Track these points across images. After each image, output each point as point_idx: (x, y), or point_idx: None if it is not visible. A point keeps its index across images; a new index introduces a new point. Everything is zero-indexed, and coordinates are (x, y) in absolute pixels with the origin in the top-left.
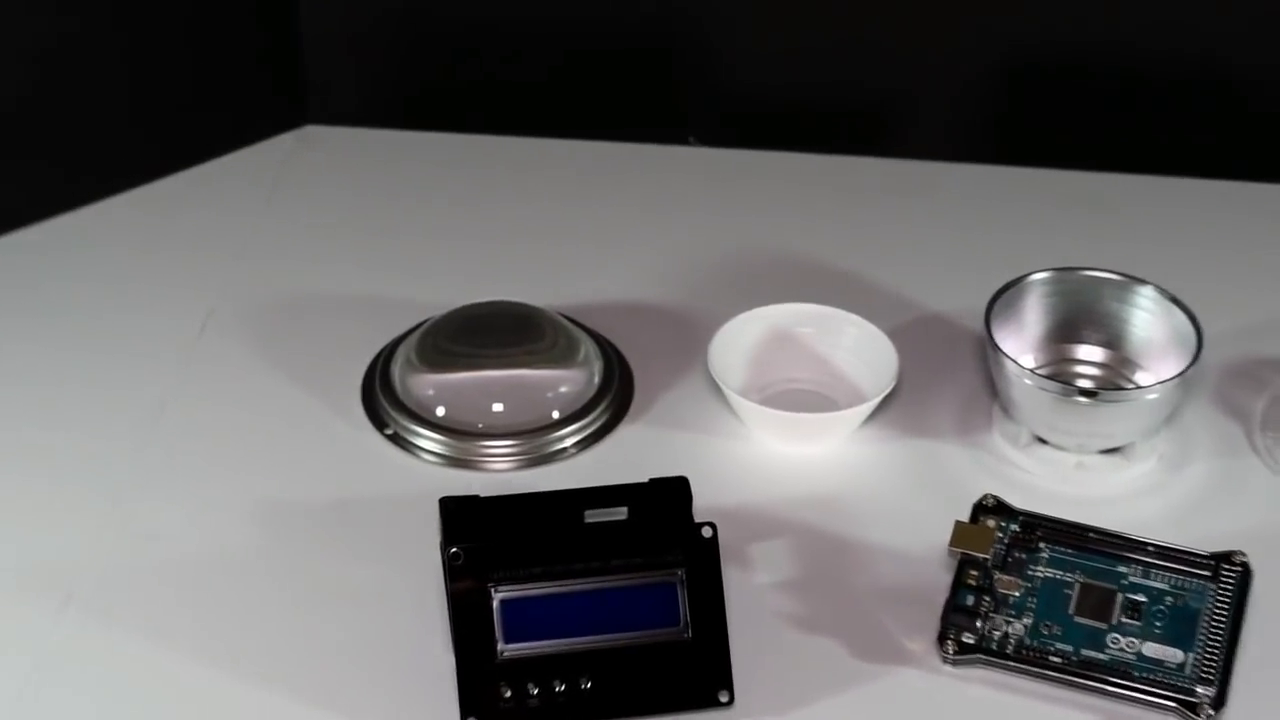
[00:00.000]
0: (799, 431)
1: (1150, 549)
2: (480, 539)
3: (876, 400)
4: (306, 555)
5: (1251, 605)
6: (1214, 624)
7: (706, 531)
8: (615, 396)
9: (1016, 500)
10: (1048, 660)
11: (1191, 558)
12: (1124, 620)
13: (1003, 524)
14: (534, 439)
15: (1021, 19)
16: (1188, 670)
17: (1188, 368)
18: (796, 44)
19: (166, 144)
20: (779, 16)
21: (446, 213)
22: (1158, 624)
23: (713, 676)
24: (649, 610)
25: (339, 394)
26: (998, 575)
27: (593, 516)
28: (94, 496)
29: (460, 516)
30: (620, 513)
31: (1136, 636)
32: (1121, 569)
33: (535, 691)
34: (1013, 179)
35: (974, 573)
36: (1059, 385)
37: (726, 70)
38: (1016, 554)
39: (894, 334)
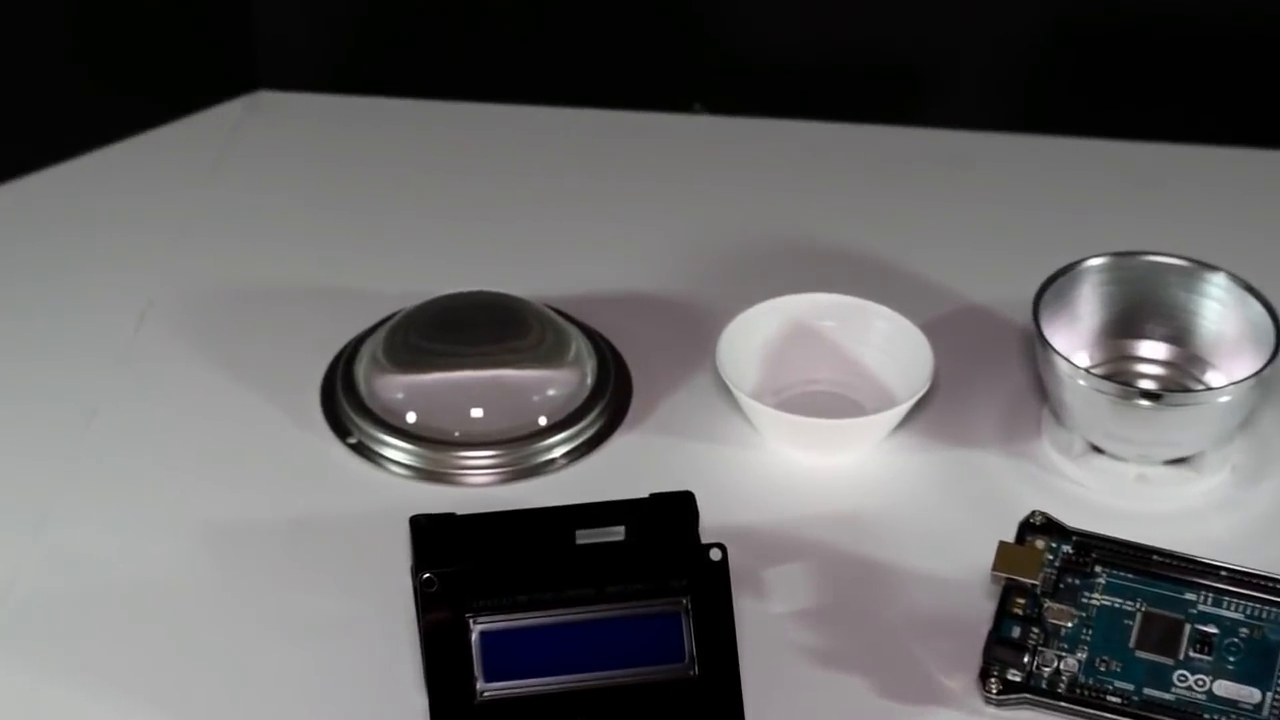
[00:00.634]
0: (820, 439)
1: (1223, 573)
2: (457, 563)
3: (909, 404)
4: (258, 583)
5: None
6: None
7: (715, 554)
8: (610, 400)
9: (1069, 518)
10: (1105, 700)
11: (1270, 583)
12: (1192, 655)
13: (1053, 545)
14: (518, 449)
15: None
16: (1265, 712)
17: (1265, 366)
18: None
19: (98, 113)
20: None
21: (417, 190)
22: (1231, 659)
23: (722, 719)
24: (650, 644)
25: (295, 397)
26: (1048, 604)
27: (585, 537)
28: (13, 517)
29: (434, 537)
30: (616, 533)
31: (1207, 673)
32: (1190, 596)
33: None
34: (1064, 151)
35: (1020, 601)
36: (1117, 386)
37: (738, 26)
38: (1069, 579)
39: (929, 328)
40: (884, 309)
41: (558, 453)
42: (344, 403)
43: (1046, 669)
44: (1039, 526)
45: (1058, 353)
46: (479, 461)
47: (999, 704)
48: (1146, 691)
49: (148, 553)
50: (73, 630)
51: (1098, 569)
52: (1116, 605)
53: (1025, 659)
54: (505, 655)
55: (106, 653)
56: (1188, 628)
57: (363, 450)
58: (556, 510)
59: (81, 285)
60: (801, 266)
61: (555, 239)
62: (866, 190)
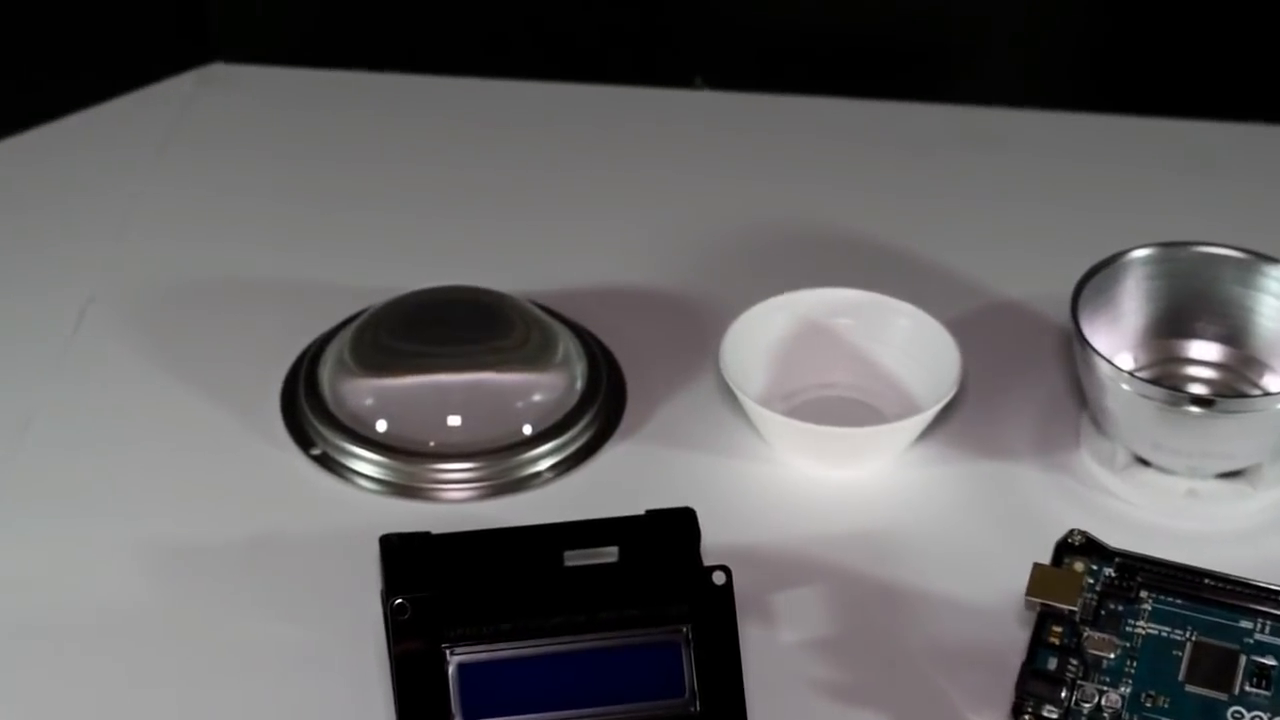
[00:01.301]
0: (835, 450)
1: None
2: (432, 587)
3: (934, 411)
4: (212, 610)
5: None
6: None
7: (719, 577)
8: (602, 407)
9: (1111, 537)
10: None
11: None
12: (1248, 689)
13: (1094, 567)
14: (499, 460)
15: None
16: None
17: None
18: None
19: (37, 87)
20: None
21: (387, 174)
22: None
23: None
24: (647, 677)
25: (253, 404)
26: (1087, 633)
27: (574, 559)
28: None
29: (406, 559)
30: (609, 554)
31: (1265, 710)
32: (1245, 624)
33: None
34: (1106, 130)
35: (1057, 629)
36: (1165, 391)
37: None
38: (1111, 606)
39: (956, 326)
40: (906, 305)
41: (544, 465)
42: (307, 410)
43: (1086, 705)
44: (1078, 547)
45: (1099, 354)
46: (456, 475)
47: None
48: None
49: (88, 578)
50: (2, 664)
51: (1143, 594)
52: (1164, 634)
53: (1062, 694)
54: (485, 690)
55: (41, 690)
56: (1243, 659)
57: (328, 463)
58: (542, 529)
59: (13, 279)
60: (814, 258)
61: (540, 228)
62: (886, 174)
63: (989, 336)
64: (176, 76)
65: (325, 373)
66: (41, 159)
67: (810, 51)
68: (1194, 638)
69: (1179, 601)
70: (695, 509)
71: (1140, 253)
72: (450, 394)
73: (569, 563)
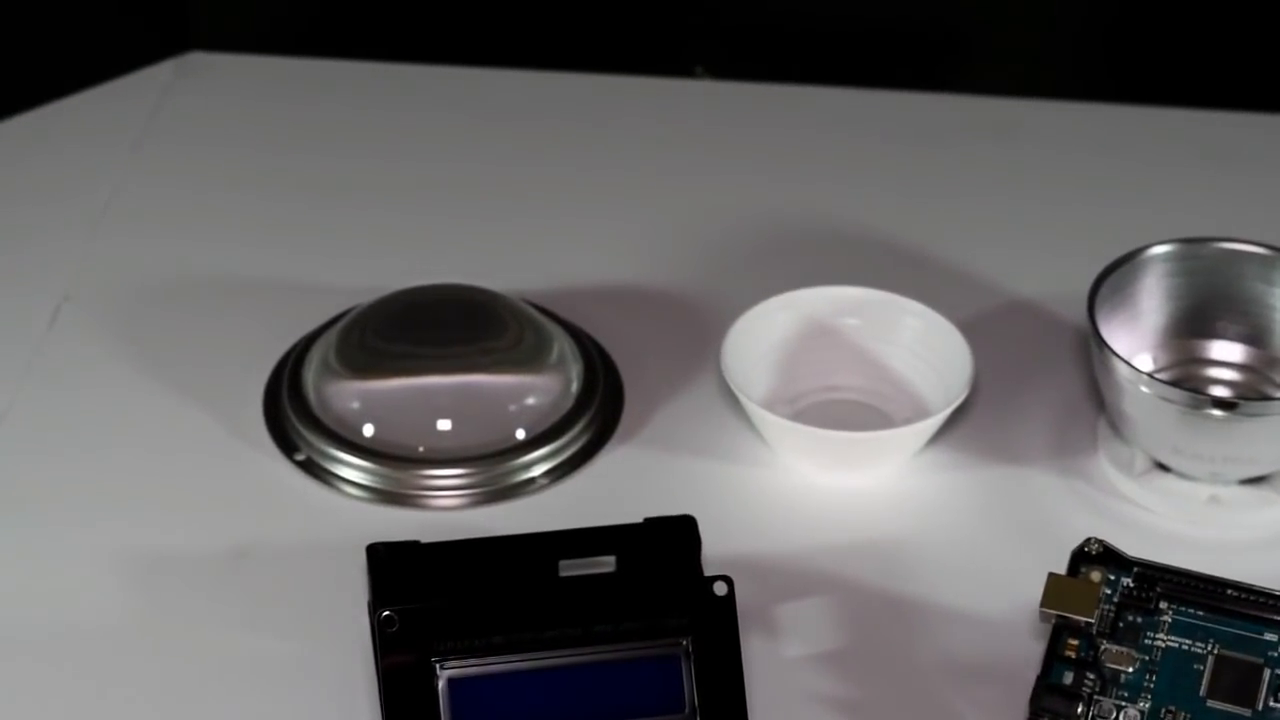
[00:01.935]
0: (841, 455)
1: None
2: (421, 598)
3: (944, 414)
4: (192, 621)
5: None
6: None
7: (720, 588)
8: (599, 410)
9: (1129, 546)
10: None
11: None
12: (1273, 705)
13: (1111, 578)
14: (492, 466)
15: None
16: None
17: None
18: None
19: (8, 77)
20: None
21: (373, 168)
22: None
23: None
24: (644, 691)
25: (235, 408)
26: (1105, 645)
27: (570, 568)
28: None
29: (395, 569)
30: (606, 563)
31: None
32: (1270, 637)
33: None
34: (1123, 121)
35: (1073, 642)
36: (1186, 394)
37: None
38: (1130, 617)
39: (968, 326)
40: (915, 304)
41: (538, 471)
42: (291, 414)
43: None
44: (1095, 556)
45: (1117, 355)
46: (446, 481)
47: None
48: None
49: (61, 589)
50: None
51: (1163, 605)
52: (1184, 647)
53: (1079, 709)
54: (476, 705)
55: (11, 706)
56: (1267, 673)
57: (312, 468)
58: (536, 538)
59: None
60: (819, 255)
61: (534, 224)
62: (895, 167)
63: (1002, 337)
64: (153, 66)
65: (310, 375)
66: (13, 152)
67: (816, 40)
68: (1216, 651)
69: (1200, 613)
70: (696, 517)
71: (1159, 249)
72: (440, 397)
73: (564, 573)
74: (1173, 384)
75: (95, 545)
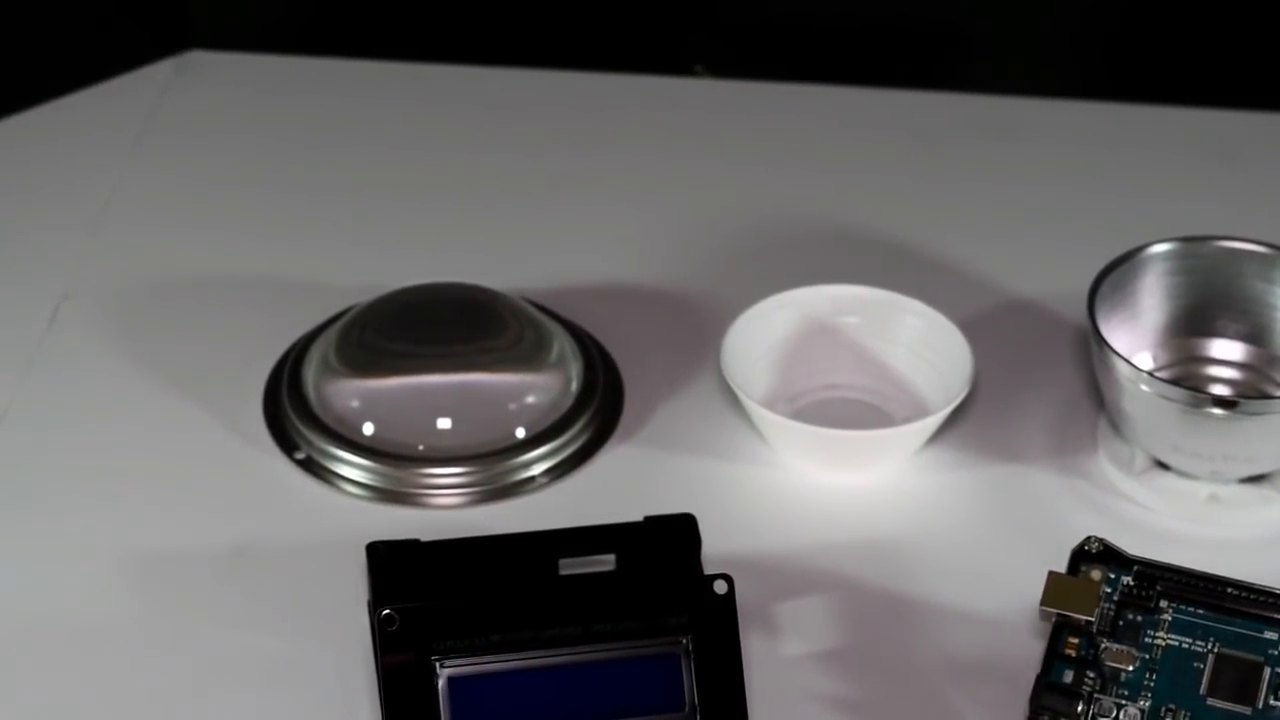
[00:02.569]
0: (841, 454)
1: None
2: (421, 597)
3: (944, 413)
4: (191, 620)
5: None
6: None
7: (720, 586)
8: (599, 409)
9: (1129, 545)
10: None
11: None
12: (1274, 703)
13: (1111, 576)
14: (492, 465)
15: None
16: None
17: None
18: None
19: (8, 74)
20: None
21: (373, 167)
22: None
23: None
24: (645, 690)
25: (234, 406)
26: (1105, 644)
27: (569, 567)
28: None
29: (394, 568)
30: (606, 562)
31: None
32: (1270, 635)
33: None
34: (1123, 119)
35: (1073, 640)
36: (1186, 392)
37: None
38: (1130, 616)
39: (968, 325)
40: (915, 303)
41: (538, 469)
42: (290, 412)
43: (1103, 719)
44: (1095, 555)
45: (1117, 353)
46: (446, 480)
47: None
48: None
49: (61, 586)
50: None
51: (1163, 604)
52: (1185, 646)
53: (1079, 708)
54: (476, 704)
55: (9, 702)
56: (1268, 671)
57: (312, 467)
58: (536, 536)
59: None
60: (819, 254)
61: (534, 222)
62: (895, 165)
63: (1002, 335)
64: (153, 64)
65: (310, 373)
66: (12, 150)
67: (816, 38)
68: (1216, 649)
69: (1200, 611)
70: (695, 515)
71: (1160, 248)
72: (440, 395)
73: (564, 571)
74: (1173, 382)
75: (95, 543)
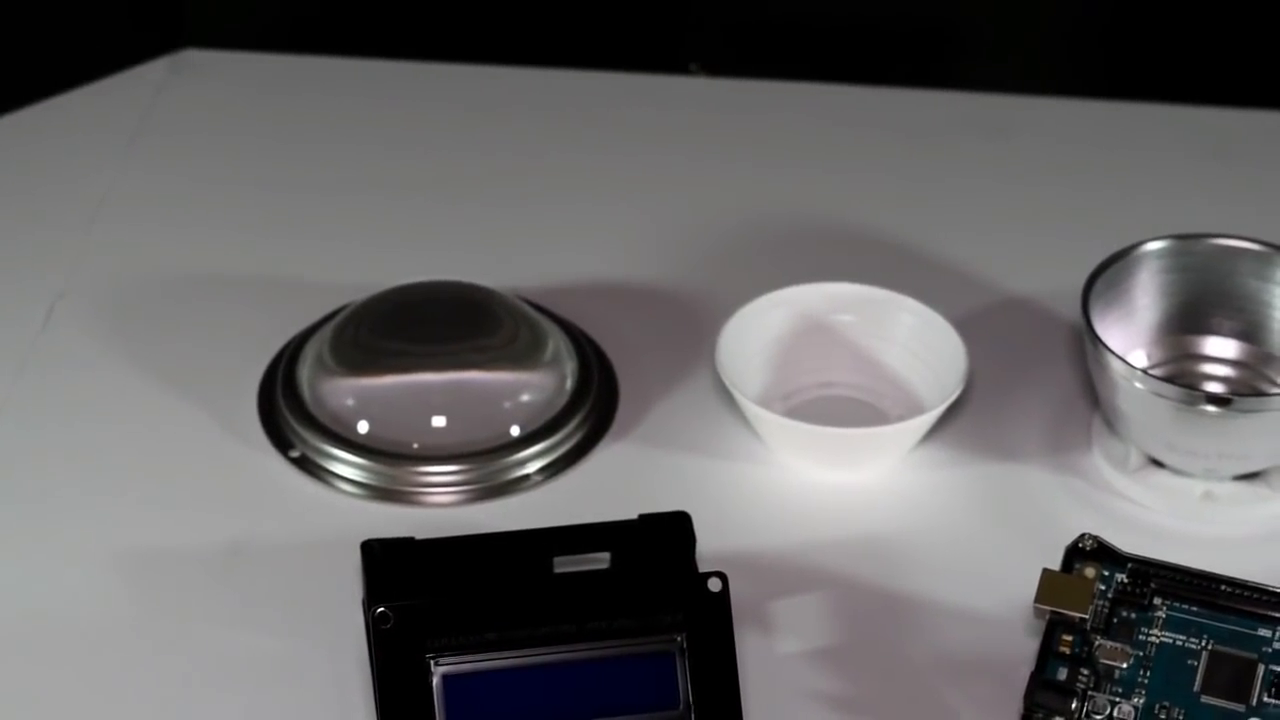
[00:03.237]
0: (836, 452)
1: None
2: (415, 595)
3: (939, 411)
4: (186, 618)
5: None
6: None
7: (714, 584)
8: (593, 407)
9: (1124, 542)
10: None
11: None
12: (1267, 700)
13: (1105, 573)
14: (486, 463)
15: None
16: None
17: None
18: None
19: (3, 74)
20: None
21: (368, 165)
22: None
23: None
24: (639, 688)
25: (229, 404)
26: (1099, 641)
27: (564, 565)
28: None
29: (389, 566)
30: (600, 560)
31: None
32: (1264, 633)
33: None
34: (1118, 117)
35: (1067, 638)
36: (1180, 390)
37: None
38: (1124, 613)
39: (962, 323)
40: (910, 301)
41: (532, 468)
42: (285, 411)
43: (1097, 716)
44: (1089, 552)
45: (1111, 351)
46: (441, 478)
47: None
48: None
49: (55, 584)
50: None
51: (1157, 601)
52: (1179, 643)
53: (1073, 705)
54: (471, 702)
55: (1, 701)
56: (1261, 669)
57: (307, 465)
58: (531, 534)
59: None
60: (814, 252)
61: (529, 220)
62: (889, 163)
63: (997, 333)
64: (148, 63)
65: (304, 372)
66: (7, 148)
67: (811, 37)
68: (1210, 647)
69: (1194, 609)
70: (690, 513)
71: (1154, 245)
72: (435, 394)
73: (558, 569)
74: (1167, 380)
75: (89, 542)
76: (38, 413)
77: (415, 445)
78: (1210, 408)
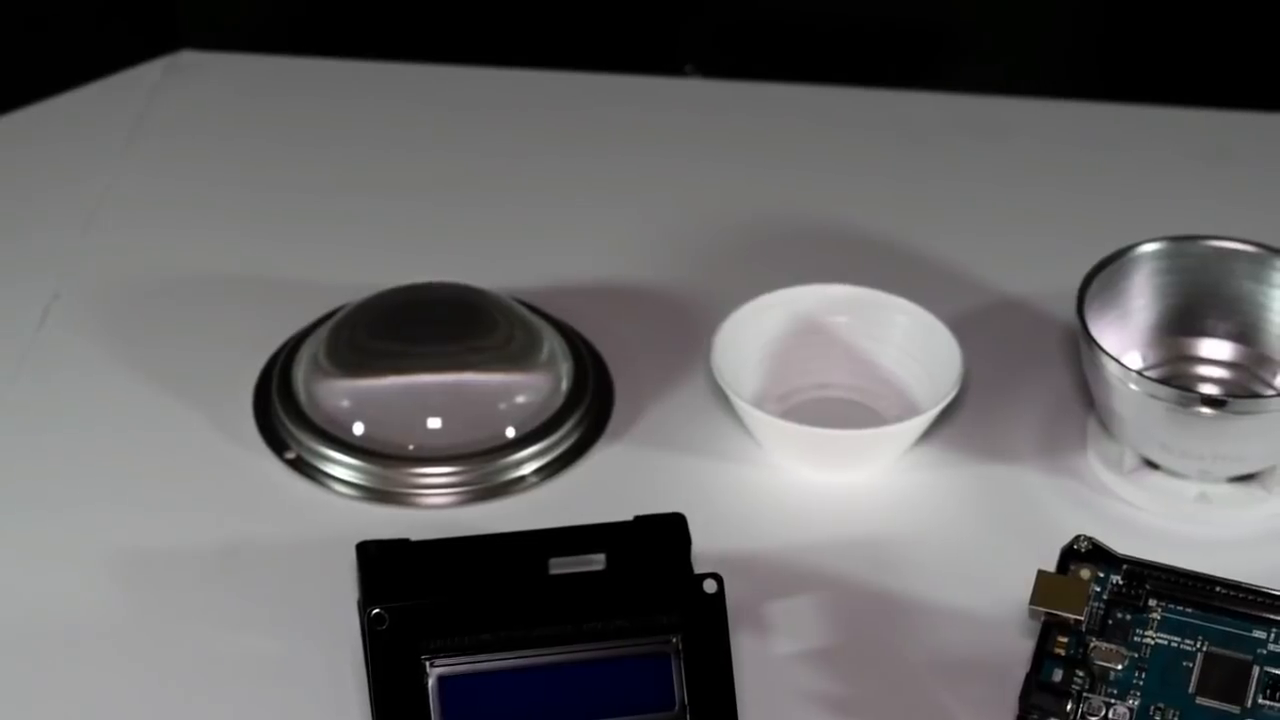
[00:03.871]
0: (831, 453)
1: None
2: (411, 596)
3: (934, 412)
4: (181, 620)
5: None
6: None
7: (710, 585)
8: (589, 408)
9: (1119, 544)
10: None
11: None
12: (1262, 702)
13: (1100, 575)
14: (482, 464)
15: None
16: None
17: None
18: None
19: None
20: None
21: (363, 166)
22: None
23: None
24: (635, 690)
25: (224, 405)
26: (1094, 643)
27: (560, 566)
28: None
29: (385, 567)
30: (596, 561)
31: None
32: (1259, 634)
33: None
34: (1113, 119)
35: (1063, 639)
36: (1175, 392)
37: None
38: (1119, 615)
39: (957, 325)
40: (905, 302)
41: (528, 469)
42: (280, 412)
43: (1093, 718)
44: (1084, 554)
45: (1106, 353)
46: (437, 479)
47: None
48: None
49: (49, 587)
50: None
51: (1152, 603)
52: (1174, 644)
53: (1068, 707)
54: (467, 704)
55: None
56: (1256, 670)
57: (302, 467)
58: (526, 536)
59: None
60: (809, 253)
61: (524, 221)
62: (885, 165)
63: (992, 335)
64: (143, 65)
65: (300, 373)
66: (3, 150)
67: (806, 38)
68: (1205, 648)
69: (1189, 610)
70: (686, 515)
71: (1149, 247)
72: (430, 395)
73: (554, 571)
74: (1162, 382)
75: (84, 543)
76: (33, 414)
77: (411, 446)
78: (1205, 409)
